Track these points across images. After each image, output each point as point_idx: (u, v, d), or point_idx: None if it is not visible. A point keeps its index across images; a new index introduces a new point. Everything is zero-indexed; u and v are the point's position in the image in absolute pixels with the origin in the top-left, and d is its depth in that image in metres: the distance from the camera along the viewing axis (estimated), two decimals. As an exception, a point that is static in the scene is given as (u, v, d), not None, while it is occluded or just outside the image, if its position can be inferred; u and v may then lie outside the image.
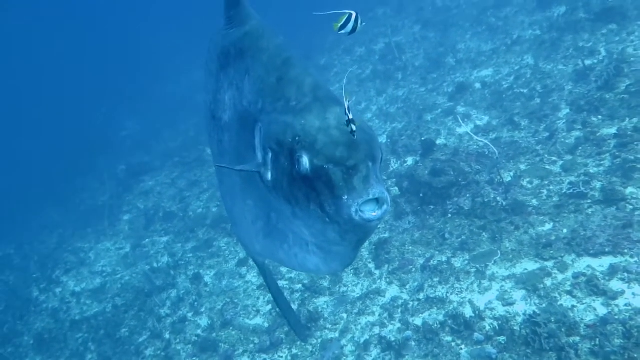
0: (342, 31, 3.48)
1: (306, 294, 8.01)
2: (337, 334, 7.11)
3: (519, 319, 5.95)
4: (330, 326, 7.28)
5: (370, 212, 2.34)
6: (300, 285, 8.25)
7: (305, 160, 2.38)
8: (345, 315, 7.30)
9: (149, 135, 19.98)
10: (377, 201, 2.36)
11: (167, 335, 8.65)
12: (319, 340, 7.14)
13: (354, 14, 3.50)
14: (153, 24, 34.17)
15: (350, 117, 2.25)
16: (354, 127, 2.24)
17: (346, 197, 2.32)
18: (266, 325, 7.90)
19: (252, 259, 4.06)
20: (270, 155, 2.59)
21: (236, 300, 8.67)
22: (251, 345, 7.65)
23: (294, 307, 7.87)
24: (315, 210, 2.46)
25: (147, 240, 12.13)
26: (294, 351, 7.20)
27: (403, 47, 16.04)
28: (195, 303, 9.13)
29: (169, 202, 13.62)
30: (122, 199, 14.85)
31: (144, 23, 34.96)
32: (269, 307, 8.19)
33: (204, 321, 8.61)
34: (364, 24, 3.60)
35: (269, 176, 2.63)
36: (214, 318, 8.52)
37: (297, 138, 2.43)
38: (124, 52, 30.71)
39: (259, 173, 2.68)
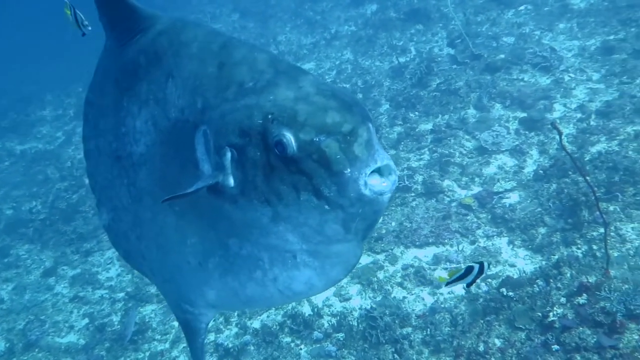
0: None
1: (130, 302, 7.26)
2: (167, 345, 6.55)
3: (356, 314, 6.04)
4: (159, 337, 6.68)
5: (381, 183, 1.94)
6: (122, 294, 7.45)
7: (288, 139, 1.92)
8: (176, 324, 6.74)
9: None
10: (382, 171, 1.95)
11: (-50, 367, 7.21)
12: (147, 354, 6.51)
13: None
14: None
15: None
16: None
17: (349, 170, 1.91)
18: (82, 342, 6.98)
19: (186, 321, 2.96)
20: (228, 154, 2.08)
21: (43, 317, 7.53)
22: (64, 368, 6.71)
23: (116, 318, 7.10)
24: (307, 200, 1.99)
25: None
26: (118, 370, 6.48)
27: (222, 35, 15.54)
28: (-11, 324, 7.76)
29: (-55, 204, 11.46)
30: None
31: None
32: (85, 320, 7.26)
33: (0, 345, 7.34)
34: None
35: (231, 182, 2.10)
36: (13, 340, 7.30)
37: (269, 116, 1.97)
38: None
39: (214, 186, 2.12)
